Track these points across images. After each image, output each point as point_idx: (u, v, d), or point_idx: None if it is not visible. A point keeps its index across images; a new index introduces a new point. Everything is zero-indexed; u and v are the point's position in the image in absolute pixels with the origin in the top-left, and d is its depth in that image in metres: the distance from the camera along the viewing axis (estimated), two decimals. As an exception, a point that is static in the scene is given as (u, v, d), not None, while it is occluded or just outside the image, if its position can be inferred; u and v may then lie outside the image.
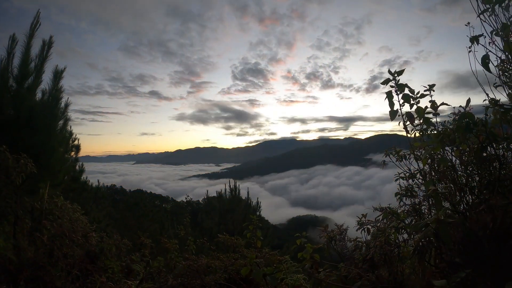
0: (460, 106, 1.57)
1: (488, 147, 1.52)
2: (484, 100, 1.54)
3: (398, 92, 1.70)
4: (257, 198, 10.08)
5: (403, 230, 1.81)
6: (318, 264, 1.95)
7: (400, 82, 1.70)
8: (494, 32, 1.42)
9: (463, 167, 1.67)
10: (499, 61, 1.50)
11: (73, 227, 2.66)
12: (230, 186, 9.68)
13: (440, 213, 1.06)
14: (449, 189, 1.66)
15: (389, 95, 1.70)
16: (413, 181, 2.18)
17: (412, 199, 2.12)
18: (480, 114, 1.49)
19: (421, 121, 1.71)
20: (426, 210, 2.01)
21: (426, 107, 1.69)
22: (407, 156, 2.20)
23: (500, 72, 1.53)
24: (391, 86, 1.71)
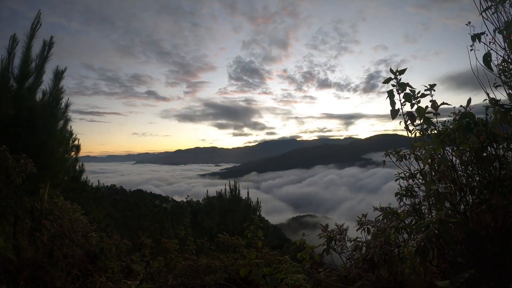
0: (461, 106, 1.57)
1: (489, 147, 1.51)
2: (484, 100, 1.54)
3: (400, 91, 1.69)
4: (257, 198, 10.08)
5: (403, 230, 1.80)
6: (318, 264, 1.95)
7: (401, 81, 1.70)
8: (497, 31, 1.41)
9: (463, 167, 1.67)
10: (500, 60, 1.50)
11: (73, 227, 2.66)
12: (230, 186, 9.68)
13: (442, 213, 1.05)
14: (449, 189, 1.66)
15: (390, 94, 1.70)
16: (413, 181, 2.18)
17: (412, 199, 2.12)
18: (480, 114, 1.49)
19: (421, 120, 1.71)
20: (426, 210, 2.00)
21: (427, 106, 1.69)
22: (407, 156, 2.20)
23: (500, 71, 1.52)
24: (393, 85, 1.71)
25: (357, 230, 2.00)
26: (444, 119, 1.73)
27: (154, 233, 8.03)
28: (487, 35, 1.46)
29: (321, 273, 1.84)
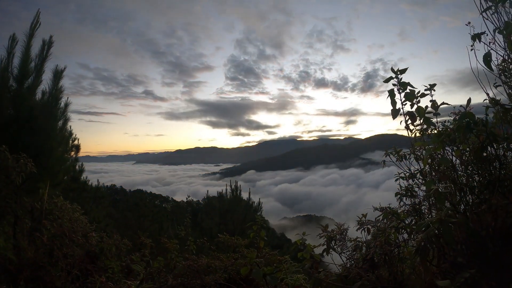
0: (461, 106, 1.57)
1: (488, 147, 1.51)
2: (484, 100, 1.54)
3: (400, 91, 1.69)
4: (259, 199, 10.08)
5: (403, 230, 1.80)
6: (318, 264, 1.95)
7: (402, 80, 1.70)
8: (497, 30, 1.41)
9: (463, 167, 1.67)
10: (500, 60, 1.50)
11: (73, 227, 2.66)
12: (231, 186, 9.68)
13: (443, 213, 1.05)
14: (449, 189, 1.66)
15: (391, 94, 1.69)
16: (413, 181, 2.18)
17: (412, 199, 2.12)
18: (480, 114, 1.49)
19: (421, 120, 1.71)
20: (426, 210, 2.00)
21: (427, 106, 1.69)
22: (407, 156, 2.20)
23: (500, 71, 1.52)
24: (393, 85, 1.70)
25: (357, 230, 2.00)
26: (444, 119, 1.73)
27: (154, 233, 8.03)
28: (487, 35, 1.46)
29: (321, 273, 1.84)
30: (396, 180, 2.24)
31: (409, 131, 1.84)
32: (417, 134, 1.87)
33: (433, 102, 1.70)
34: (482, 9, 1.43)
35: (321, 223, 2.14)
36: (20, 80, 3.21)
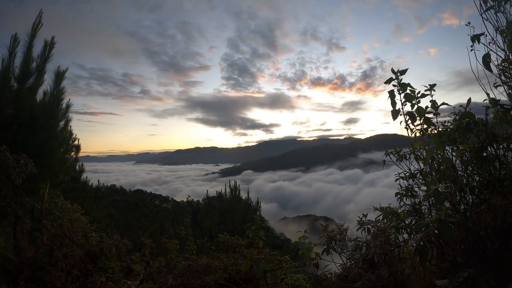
0: (461, 106, 1.57)
1: (488, 147, 1.51)
2: (484, 100, 1.54)
3: (400, 92, 1.69)
4: (257, 198, 10.09)
5: (403, 230, 1.81)
6: (318, 264, 1.95)
7: (402, 81, 1.70)
8: (498, 30, 1.41)
9: (463, 167, 1.67)
10: (500, 60, 1.50)
11: (73, 227, 2.66)
12: (230, 186, 9.69)
13: (442, 213, 1.06)
14: (450, 189, 1.66)
15: (391, 94, 1.70)
16: (413, 181, 2.18)
17: (412, 199, 2.12)
18: (480, 114, 1.49)
19: (421, 121, 1.71)
20: (426, 210, 2.01)
21: (427, 107, 1.69)
22: (407, 156, 2.20)
23: (500, 72, 1.52)
24: (394, 85, 1.71)
25: (357, 230, 2.00)
26: (444, 119, 1.74)
27: (154, 233, 8.03)
28: (486, 35, 1.46)
29: (321, 273, 1.84)
30: (396, 180, 2.24)
31: (409, 131, 1.85)
32: (417, 134, 1.87)
33: (433, 102, 1.70)
34: (482, 10, 1.43)
35: (321, 224, 2.15)
36: (22, 80, 3.21)
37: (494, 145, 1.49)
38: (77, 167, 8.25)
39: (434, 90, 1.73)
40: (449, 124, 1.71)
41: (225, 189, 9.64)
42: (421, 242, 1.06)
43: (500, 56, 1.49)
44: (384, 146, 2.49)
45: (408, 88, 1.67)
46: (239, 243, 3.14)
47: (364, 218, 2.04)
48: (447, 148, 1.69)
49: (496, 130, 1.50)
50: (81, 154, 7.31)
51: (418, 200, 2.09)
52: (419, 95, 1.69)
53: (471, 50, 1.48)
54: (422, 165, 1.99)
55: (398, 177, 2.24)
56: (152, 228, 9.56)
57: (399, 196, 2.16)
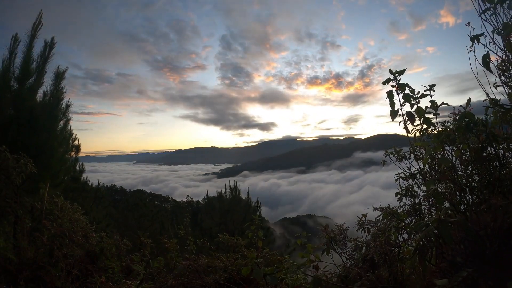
0: (460, 106, 1.57)
1: (488, 147, 1.52)
2: (484, 100, 1.54)
3: (399, 92, 1.69)
4: (257, 198, 10.09)
5: (403, 230, 1.81)
6: (317, 266, 1.95)
7: (400, 81, 1.70)
8: (496, 32, 1.41)
9: (463, 167, 1.67)
10: (499, 60, 1.50)
11: (73, 227, 2.66)
12: (230, 186, 9.69)
13: (441, 213, 1.06)
14: (449, 189, 1.66)
15: (390, 95, 1.70)
16: (413, 181, 2.18)
17: (412, 199, 2.13)
18: (480, 114, 1.49)
19: (421, 121, 1.71)
20: (426, 210, 2.01)
21: (427, 107, 1.69)
22: (407, 156, 2.20)
23: (500, 72, 1.52)
24: (392, 86, 1.71)
25: (357, 230, 2.00)
26: (444, 119, 1.74)
27: (154, 233, 8.03)
28: (485, 36, 1.46)
29: (321, 273, 1.84)
30: (396, 180, 2.24)
31: (407, 132, 1.85)
32: (417, 134, 1.87)
33: (433, 102, 1.70)
34: (481, 11, 1.43)
35: (321, 224, 2.15)
36: (22, 80, 3.21)
37: (494, 145, 1.49)
38: (77, 167, 8.27)
39: (434, 90, 1.73)
40: (449, 124, 1.71)
41: (225, 189, 9.65)
42: (421, 242, 1.06)
43: (500, 57, 1.49)
44: (384, 146, 2.49)
45: (407, 88, 1.67)
46: (239, 243, 3.14)
47: (364, 218, 2.05)
48: (447, 148, 1.69)
49: (496, 130, 1.50)
50: (81, 154, 7.32)
51: (418, 200, 2.09)
52: (418, 95, 1.69)
53: (470, 50, 1.48)
54: (422, 165, 1.99)
55: (398, 177, 2.24)
56: (152, 228, 9.56)
57: (399, 196, 2.17)
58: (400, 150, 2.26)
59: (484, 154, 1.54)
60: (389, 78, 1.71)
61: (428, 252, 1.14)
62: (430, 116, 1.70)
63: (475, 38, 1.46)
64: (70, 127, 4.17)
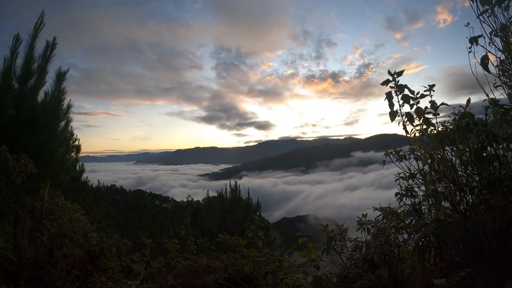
0: (460, 106, 1.57)
1: (488, 147, 1.52)
2: (484, 100, 1.54)
3: (398, 93, 1.70)
4: (258, 198, 10.09)
5: (403, 230, 1.81)
6: (318, 264, 1.95)
7: (399, 82, 1.70)
8: (493, 33, 1.42)
9: (463, 167, 1.67)
10: (498, 61, 1.51)
11: (73, 227, 2.66)
12: (230, 186, 9.69)
13: (440, 213, 1.06)
14: (449, 189, 1.66)
15: (388, 96, 1.70)
16: (413, 181, 2.19)
17: (412, 199, 2.13)
18: (480, 114, 1.50)
19: (421, 121, 1.72)
20: (426, 210, 2.01)
21: (426, 107, 1.69)
22: (407, 156, 2.21)
23: (500, 72, 1.53)
24: (391, 87, 1.71)
25: (357, 230, 2.01)
26: (444, 119, 1.74)
27: (154, 233, 8.03)
28: (484, 37, 1.47)
29: (321, 273, 1.84)
30: (396, 180, 2.24)
31: (406, 132, 1.85)
32: (417, 135, 1.87)
33: (433, 102, 1.71)
34: (479, 12, 1.43)
35: (321, 224, 2.15)
36: (23, 80, 3.22)
37: (494, 145, 1.49)
38: (77, 167, 8.28)
39: (434, 91, 1.73)
40: (448, 124, 1.71)
41: (226, 189, 9.65)
42: (420, 242, 1.07)
43: (499, 57, 1.50)
44: (384, 146, 2.49)
45: (406, 89, 1.67)
46: (239, 243, 3.14)
47: (364, 218, 2.05)
48: (447, 148, 1.69)
49: (496, 130, 1.50)
50: (81, 154, 7.33)
51: (418, 200, 2.09)
52: (418, 96, 1.69)
53: (469, 52, 1.48)
54: (421, 165, 1.99)
55: (398, 177, 2.24)
56: (152, 228, 9.56)
57: (399, 196, 2.17)
58: (400, 150, 2.26)
59: (484, 154, 1.55)
60: (388, 80, 1.71)
61: (427, 252, 1.14)
62: (430, 116, 1.70)
63: (473, 40, 1.46)
64: (71, 128, 4.18)
